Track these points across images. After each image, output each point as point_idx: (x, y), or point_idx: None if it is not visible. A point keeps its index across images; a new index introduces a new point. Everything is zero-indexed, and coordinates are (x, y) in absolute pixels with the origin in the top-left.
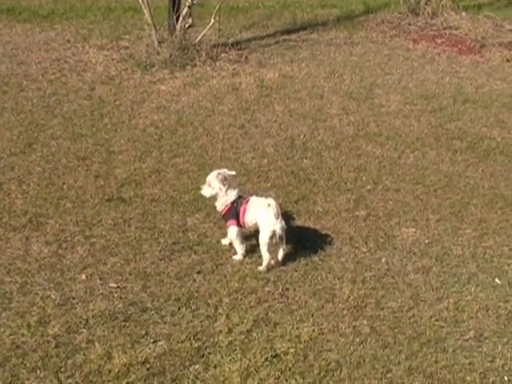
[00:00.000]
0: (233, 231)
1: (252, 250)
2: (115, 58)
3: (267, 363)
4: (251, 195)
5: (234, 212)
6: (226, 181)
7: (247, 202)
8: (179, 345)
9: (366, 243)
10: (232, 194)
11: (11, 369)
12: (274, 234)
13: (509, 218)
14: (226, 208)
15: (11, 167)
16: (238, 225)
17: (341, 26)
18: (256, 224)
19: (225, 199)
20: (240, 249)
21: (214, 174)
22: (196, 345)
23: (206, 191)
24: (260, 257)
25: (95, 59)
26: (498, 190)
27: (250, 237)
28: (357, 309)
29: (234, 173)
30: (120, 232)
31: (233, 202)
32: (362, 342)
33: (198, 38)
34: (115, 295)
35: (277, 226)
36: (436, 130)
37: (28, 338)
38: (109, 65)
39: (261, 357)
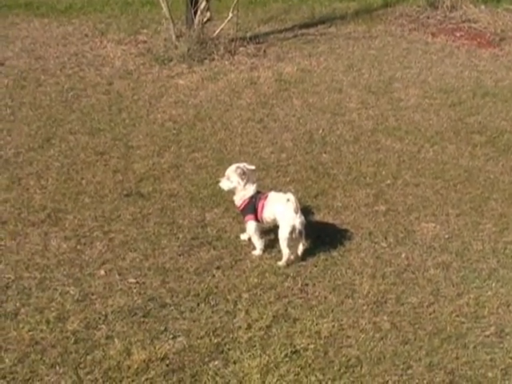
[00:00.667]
0: (251, 226)
1: (271, 245)
2: (133, 52)
3: (287, 359)
4: (270, 191)
5: (252, 207)
6: (244, 175)
7: (266, 197)
8: (198, 341)
9: (386, 238)
10: (250, 189)
11: (30, 365)
12: (293, 229)
13: None
14: (245, 203)
15: (30, 162)
16: (256, 220)
17: (359, 19)
18: (274, 219)
19: (243, 194)
20: (259, 244)
21: (233, 167)
22: (215, 341)
23: (225, 184)
24: (279, 252)
25: (113, 54)
26: None
27: (269, 232)
28: (377, 304)
29: (253, 167)
30: (139, 227)
31: (251, 197)
32: (382, 338)
33: (216, 32)
34: (134, 291)
35: (296, 220)
36: (455, 124)
37: (47, 333)
38: (127, 59)
39: (280, 353)
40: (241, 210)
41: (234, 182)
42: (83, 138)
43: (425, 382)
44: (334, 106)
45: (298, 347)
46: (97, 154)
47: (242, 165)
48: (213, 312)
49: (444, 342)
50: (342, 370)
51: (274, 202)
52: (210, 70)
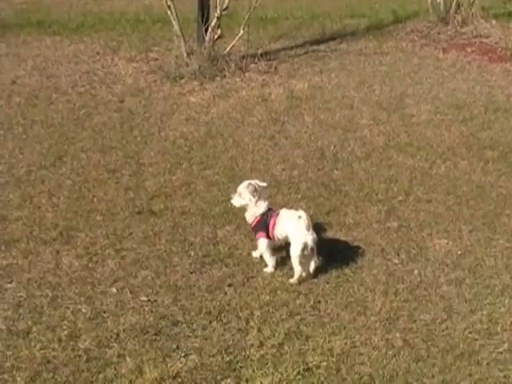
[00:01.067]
0: (263, 243)
1: (283, 262)
2: (144, 69)
3: (299, 377)
4: (281, 208)
5: (263, 224)
6: (255, 192)
7: (277, 214)
8: (211, 359)
9: (398, 255)
10: (262, 206)
11: None
12: (305, 247)
13: None
14: (256, 220)
15: (41, 180)
16: (268, 237)
17: (370, 35)
18: (286, 237)
19: (254, 211)
20: (270, 261)
21: (244, 184)
22: (227, 359)
23: (236, 201)
24: (291, 269)
25: (124, 71)
26: None
27: (281, 249)
28: (389, 321)
29: (265, 184)
30: (150, 245)
31: (263, 214)
32: (394, 355)
33: (227, 49)
34: (146, 309)
35: (308, 237)
36: (467, 140)
37: (59, 352)
38: (138, 77)
39: (293, 370)
40: (252, 227)
41: (246, 199)
42: (95, 155)
43: None
44: (346, 122)
45: (310, 365)
46: (108, 172)
47: (253, 182)
48: (225, 330)
49: (457, 359)
50: None
51: (286, 220)
52: (221, 87)
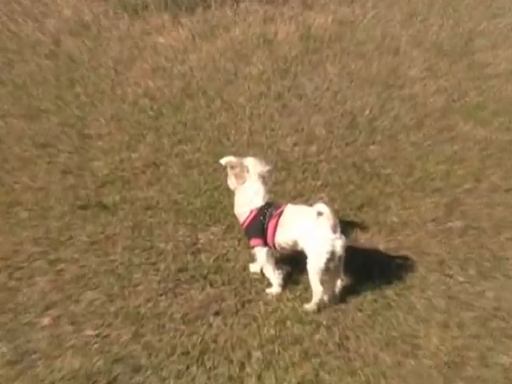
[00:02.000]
0: (261, 253)
1: (294, 279)
2: None
3: None
4: (290, 202)
5: (259, 227)
6: (234, 169)
7: (280, 213)
8: None
9: (464, 269)
10: (258, 199)
11: None
12: (332, 257)
13: None
14: (249, 219)
15: None
16: (266, 244)
17: None
18: (295, 245)
19: (246, 200)
20: (275, 278)
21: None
22: None
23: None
24: (307, 290)
25: None
26: None
27: (291, 259)
28: (451, 366)
29: (269, 167)
30: (100, 254)
31: (259, 210)
32: None
33: None
34: (93, 348)
35: (336, 242)
36: None
37: None
38: (80, 6)
39: None
40: (244, 228)
41: (230, 182)
42: (17, 122)
43: None
44: (388, 74)
45: None
46: (37, 147)
47: (250, 158)
48: (209, 378)
49: None
50: None
51: (296, 220)
52: (205, 23)
